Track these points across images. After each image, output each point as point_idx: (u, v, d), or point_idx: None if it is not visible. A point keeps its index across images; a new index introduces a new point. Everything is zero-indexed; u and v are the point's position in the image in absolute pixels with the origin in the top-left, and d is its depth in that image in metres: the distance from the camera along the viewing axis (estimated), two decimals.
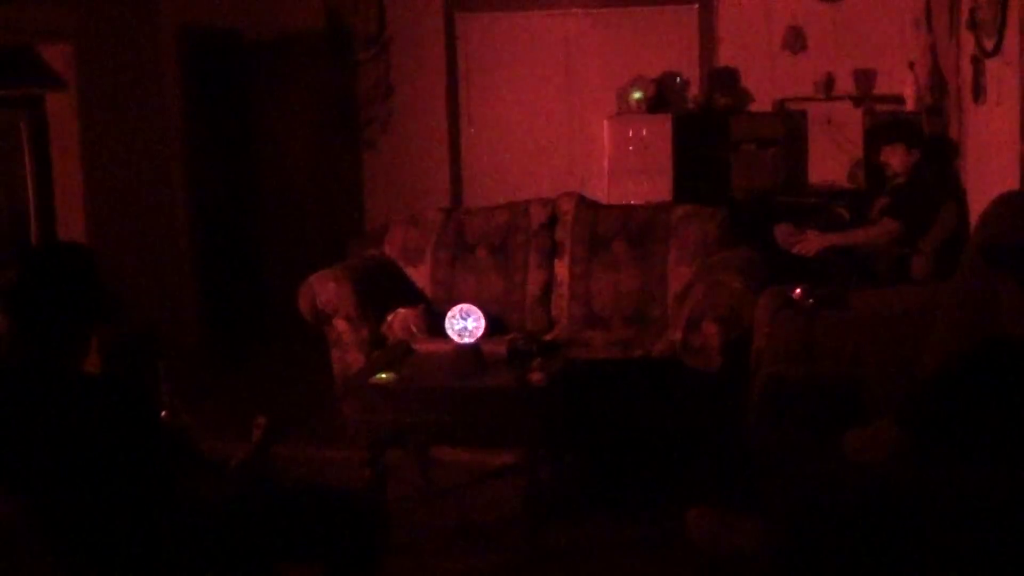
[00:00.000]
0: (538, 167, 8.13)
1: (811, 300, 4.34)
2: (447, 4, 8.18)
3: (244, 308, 7.63)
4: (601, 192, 7.34)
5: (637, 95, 7.70)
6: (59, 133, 5.91)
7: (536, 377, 4.26)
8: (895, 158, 6.00)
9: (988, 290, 3.41)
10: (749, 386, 4.14)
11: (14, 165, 5.76)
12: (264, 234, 7.91)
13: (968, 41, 5.98)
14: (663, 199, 7.15)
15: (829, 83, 7.64)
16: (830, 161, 7.67)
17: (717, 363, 4.82)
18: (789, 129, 7.66)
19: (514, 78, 8.20)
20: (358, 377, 4.54)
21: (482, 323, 4.49)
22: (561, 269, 5.61)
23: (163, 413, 3.04)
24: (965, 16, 6.02)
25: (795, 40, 7.71)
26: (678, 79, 7.90)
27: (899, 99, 7.28)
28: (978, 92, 5.78)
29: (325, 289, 5.29)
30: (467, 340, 4.47)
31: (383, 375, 4.40)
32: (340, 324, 5.28)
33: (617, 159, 7.64)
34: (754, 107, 7.84)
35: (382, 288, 5.49)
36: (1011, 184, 4.88)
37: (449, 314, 4.54)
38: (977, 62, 5.76)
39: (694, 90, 7.91)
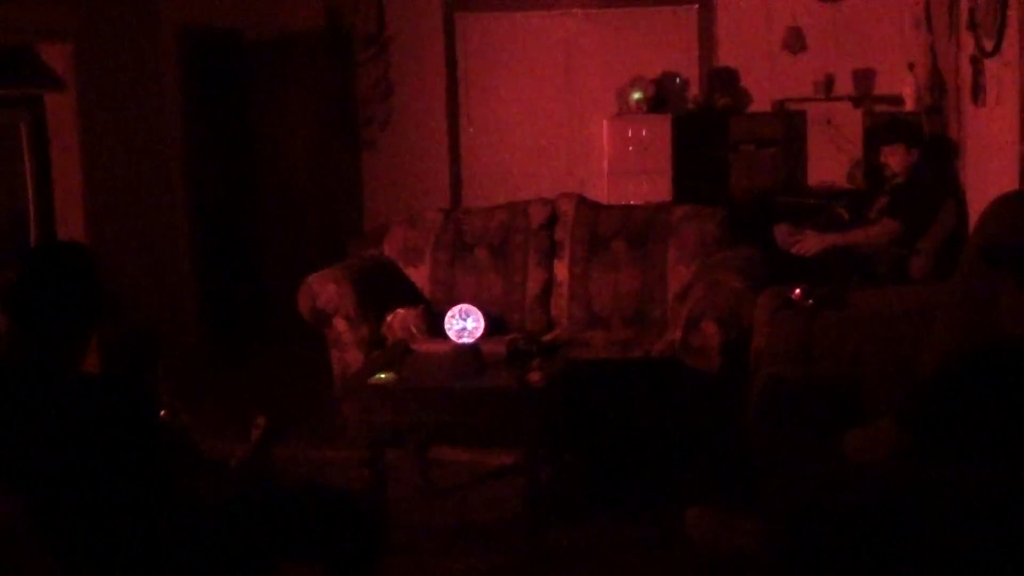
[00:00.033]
0: (538, 167, 8.13)
1: (810, 300, 4.35)
2: (447, 4, 8.18)
3: (244, 308, 7.63)
4: (601, 192, 7.34)
5: (637, 95, 7.70)
6: (59, 133, 5.91)
7: (535, 377, 4.26)
8: (894, 158, 6.00)
9: (988, 290, 3.40)
10: (748, 386, 4.15)
11: (14, 165, 5.76)
12: (264, 234, 7.91)
13: (967, 41, 5.97)
14: (663, 199, 7.16)
15: (828, 83, 7.65)
16: (829, 161, 7.67)
17: (716, 363, 4.82)
18: (788, 129, 7.66)
19: (514, 78, 8.20)
20: (358, 377, 4.54)
21: (481, 323, 4.49)
22: (561, 269, 5.61)
23: (163, 413, 3.04)
24: (964, 16, 6.02)
25: (795, 40, 7.71)
26: (678, 79, 7.90)
27: (898, 99, 7.28)
28: (977, 92, 5.77)
29: (325, 289, 5.29)
30: (466, 340, 4.47)
31: (382, 375, 4.40)
32: (339, 324, 5.28)
33: (617, 159, 7.65)
34: (753, 107, 7.84)
35: (381, 288, 5.49)
36: (1010, 184, 4.88)
37: (448, 314, 4.54)
38: (976, 62, 5.75)
39: (694, 90, 7.91)
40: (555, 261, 5.63)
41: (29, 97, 5.81)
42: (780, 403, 3.68)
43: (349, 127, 8.26)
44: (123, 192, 6.33)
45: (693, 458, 4.72)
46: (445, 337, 4.54)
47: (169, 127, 6.81)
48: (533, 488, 4.24)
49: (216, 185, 7.48)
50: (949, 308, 3.63)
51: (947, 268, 5.05)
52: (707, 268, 5.23)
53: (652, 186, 7.44)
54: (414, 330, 5.22)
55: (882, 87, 7.54)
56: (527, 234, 5.69)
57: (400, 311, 5.36)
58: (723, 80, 7.80)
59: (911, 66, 7.13)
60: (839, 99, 7.64)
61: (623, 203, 6.77)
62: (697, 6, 7.91)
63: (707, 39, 7.91)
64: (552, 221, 5.70)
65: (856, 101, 7.59)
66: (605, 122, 7.74)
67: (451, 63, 8.23)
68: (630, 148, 7.62)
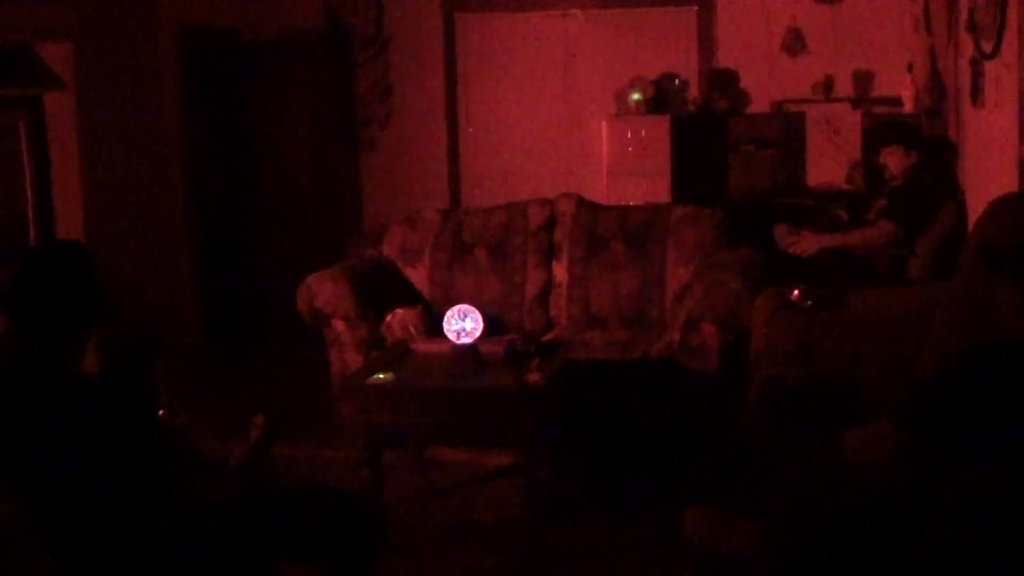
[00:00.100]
0: (537, 168, 8.13)
1: (809, 301, 4.35)
2: (446, 4, 8.18)
3: (243, 308, 7.63)
4: (600, 193, 7.34)
5: (636, 96, 7.70)
6: (58, 133, 5.91)
7: (534, 377, 4.26)
8: (893, 160, 6.00)
9: (987, 291, 3.41)
10: (747, 387, 4.14)
11: (13, 165, 5.76)
12: (263, 234, 7.91)
13: (967, 43, 5.98)
14: (662, 200, 7.16)
15: (828, 85, 7.65)
16: (828, 163, 7.67)
17: (715, 364, 4.82)
18: (788, 130, 7.66)
19: (513, 79, 8.20)
20: (356, 377, 4.54)
21: (480, 324, 4.49)
22: (559, 270, 5.62)
23: (161, 413, 3.04)
24: (964, 18, 6.03)
25: (794, 42, 7.71)
26: (677, 80, 7.90)
27: (897, 101, 7.28)
28: (976, 94, 5.78)
29: (323, 289, 5.29)
30: (465, 340, 4.47)
31: (381, 375, 4.40)
32: (338, 324, 5.28)
33: (616, 160, 7.65)
34: (753, 108, 7.84)
35: (380, 288, 5.49)
36: (1009, 186, 4.88)
37: (447, 314, 4.54)
38: (976, 64, 5.76)
39: (693, 91, 7.91)
40: (554, 262, 5.63)
41: (28, 97, 5.82)
42: (779, 404, 3.68)
43: (348, 127, 8.26)
44: (122, 192, 6.33)
45: (692, 458, 4.73)
46: (444, 337, 4.54)
47: (168, 127, 6.81)
48: (532, 488, 4.24)
49: (215, 185, 7.48)
50: (948, 309, 3.63)
51: (945, 269, 5.05)
52: (706, 269, 5.23)
53: (651, 187, 7.44)
54: (413, 330, 5.22)
55: (881, 89, 7.55)
56: (526, 235, 5.69)
57: (399, 311, 5.36)
58: (722, 81, 7.80)
59: (910, 68, 7.13)
60: (838, 100, 7.65)
61: (622, 204, 6.77)
62: (696, 7, 7.91)
63: (706, 40, 7.91)
64: (551, 222, 5.70)
65: (855, 102, 7.59)
66: (604, 123, 7.74)
67: (450, 63, 8.23)
68: (629, 149, 7.62)
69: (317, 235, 7.80)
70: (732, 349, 4.77)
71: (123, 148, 6.36)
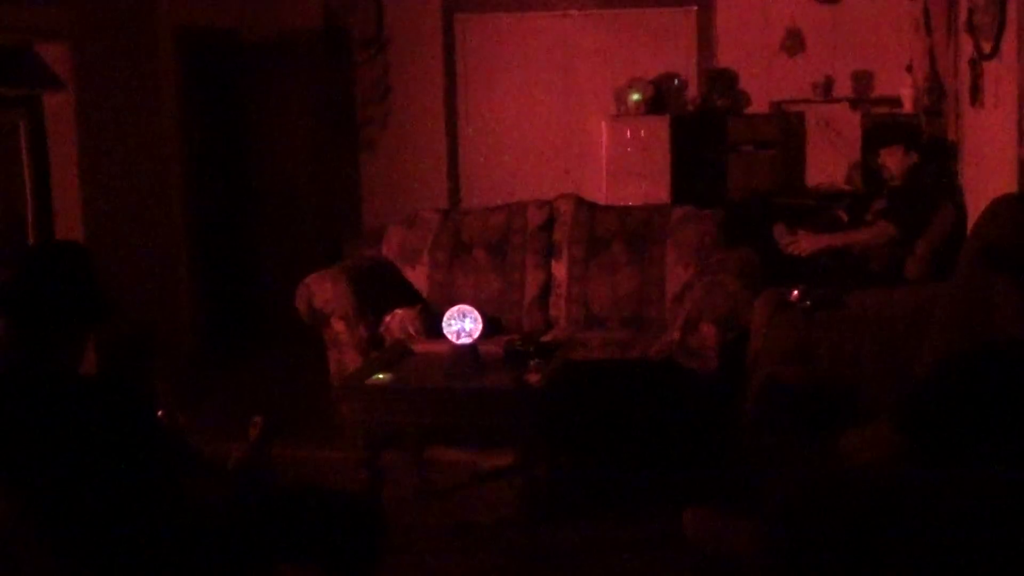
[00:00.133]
0: (536, 168, 8.13)
1: (808, 302, 4.35)
2: (445, 5, 8.18)
3: (242, 308, 7.63)
4: (599, 193, 7.34)
5: (635, 96, 7.70)
6: (57, 133, 5.90)
7: (533, 378, 4.26)
8: (892, 160, 5.99)
9: (985, 292, 3.41)
10: (746, 387, 4.15)
11: (12, 165, 5.75)
12: (262, 234, 7.90)
13: (966, 43, 5.98)
14: (661, 200, 7.16)
15: (827, 85, 7.65)
16: (828, 163, 7.68)
17: (714, 364, 4.83)
18: (787, 131, 7.67)
19: (512, 79, 8.20)
20: (355, 378, 4.54)
21: (479, 324, 4.49)
22: (559, 270, 5.62)
23: (160, 413, 3.04)
24: (963, 18, 6.02)
25: (793, 42, 7.71)
26: (676, 80, 7.91)
27: (897, 101, 7.29)
28: (976, 94, 5.77)
29: (322, 290, 5.29)
30: (464, 341, 4.47)
31: (380, 376, 4.40)
32: (337, 325, 5.28)
33: (615, 160, 7.65)
34: (752, 109, 7.85)
35: (379, 289, 5.49)
36: (1008, 187, 4.88)
37: (446, 315, 4.54)
38: (975, 64, 5.75)
39: (692, 91, 7.91)
40: (553, 262, 5.64)
41: (27, 97, 5.81)
42: (778, 404, 3.68)
43: (347, 128, 8.26)
44: (121, 192, 6.32)
45: (690, 459, 4.72)
46: (443, 338, 4.54)
47: (167, 127, 6.81)
48: (531, 489, 4.25)
49: (214, 185, 7.48)
50: (947, 309, 3.63)
51: (943, 270, 5.05)
52: (705, 269, 5.24)
53: (650, 187, 7.45)
54: (412, 331, 5.22)
55: (880, 89, 7.55)
56: (525, 235, 5.69)
57: (398, 312, 5.36)
58: (722, 81, 7.80)
59: (909, 68, 7.13)
60: (837, 101, 7.65)
61: (621, 204, 6.77)
62: (696, 7, 7.91)
63: (706, 40, 7.92)
64: (550, 222, 5.70)
65: (854, 103, 7.60)
66: (603, 123, 7.74)
67: (449, 64, 8.24)
68: (628, 149, 7.63)
69: (316, 235, 7.80)
70: (731, 349, 4.77)
71: (122, 148, 6.36)
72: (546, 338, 5.19)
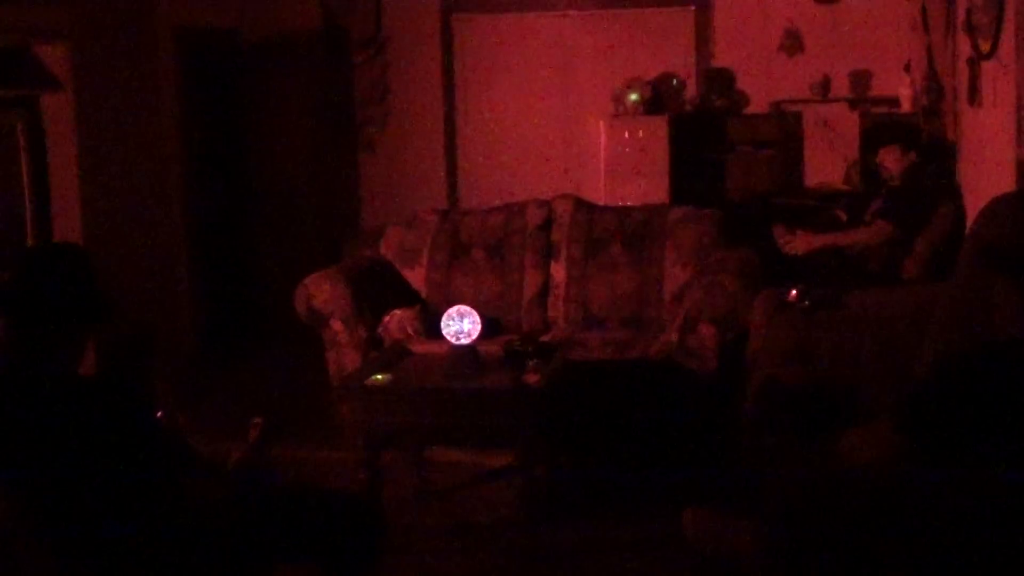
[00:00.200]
0: (534, 168, 8.13)
1: (807, 302, 4.35)
2: (444, 6, 8.19)
3: (241, 309, 7.63)
4: (597, 193, 7.35)
5: (633, 97, 7.70)
6: (55, 134, 5.90)
7: (532, 378, 4.26)
8: (891, 160, 6.00)
9: (984, 291, 3.41)
10: (745, 387, 4.15)
11: (10, 166, 5.75)
12: (260, 235, 7.91)
13: (964, 43, 5.98)
14: (659, 201, 7.17)
15: (825, 85, 7.66)
16: (826, 163, 7.69)
17: (713, 364, 4.82)
18: (785, 131, 7.68)
19: (510, 80, 8.21)
20: (354, 378, 4.54)
21: (478, 324, 4.49)
22: (557, 270, 5.62)
23: (159, 414, 3.04)
24: (961, 18, 6.03)
25: (791, 42, 7.72)
26: (674, 81, 7.91)
27: (895, 101, 7.29)
28: (974, 94, 5.78)
29: (321, 290, 5.29)
30: (463, 341, 4.47)
31: (379, 376, 4.40)
32: (336, 325, 5.28)
33: (613, 160, 7.65)
34: (750, 109, 7.85)
35: (378, 289, 5.49)
36: (1007, 186, 4.88)
37: (445, 315, 4.54)
38: (973, 64, 5.76)
39: (690, 92, 7.92)
40: (552, 262, 5.63)
41: (26, 98, 5.80)
42: (777, 404, 3.69)
43: (346, 128, 8.26)
44: (120, 193, 6.32)
45: (690, 459, 4.72)
46: (442, 338, 4.54)
47: (166, 128, 6.80)
48: (530, 489, 4.25)
49: (213, 185, 7.48)
50: (946, 309, 3.64)
51: (942, 270, 5.05)
52: (704, 269, 5.24)
53: (649, 187, 7.45)
54: (411, 331, 5.21)
55: (879, 89, 7.56)
56: (524, 235, 5.69)
57: (397, 312, 5.36)
58: (720, 81, 7.81)
59: (908, 68, 7.14)
60: (836, 101, 7.66)
61: (620, 204, 6.77)
62: (694, 7, 7.92)
63: (704, 40, 7.92)
64: (549, 222, 5.70)
65: (853, 103, 7.61)
66: (602, 123, 7.74)
67: (448, 65, 8.24)
68: (627, 149, 7.63)
69: (315, 236, 7.81)
70: (730, 349, 4.77)
71: (121, 149, 6.35)
72: (545, 338, 5.19)
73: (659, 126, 7.59)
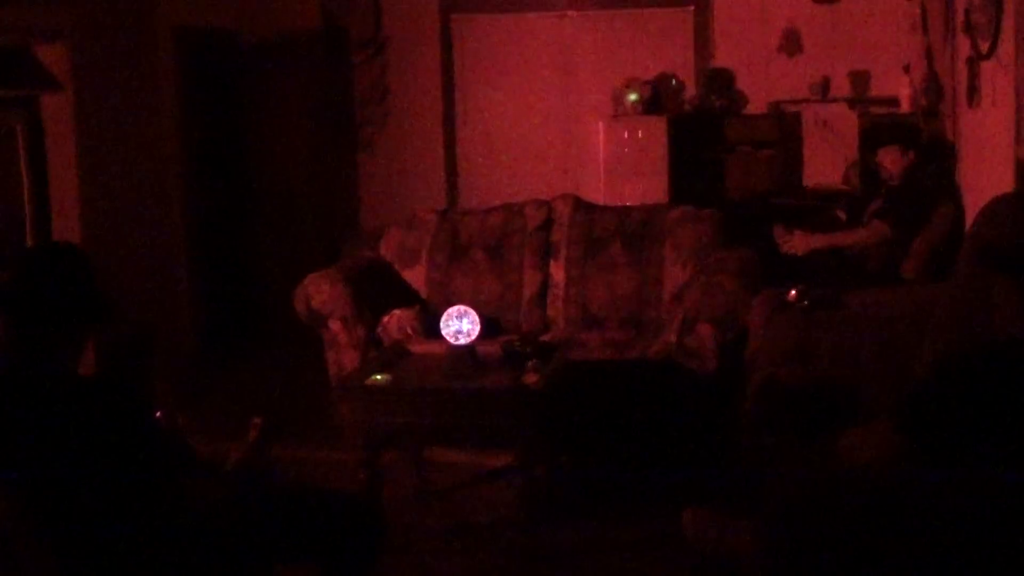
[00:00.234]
0: (534, 169, 8.13)
1: (806, 301, 4.35)
2: (443, 6, 8.19)
3: (240, 309, 7.63)
4: (597, 194, 7.35)
5: (633, 97, 7.70)
6: (55, 134, 5.90)
7: (531, 378, 4.26)
8: (890, 160, 6.00)
9: (983, 291, 3.42)
10: (744, 387, 4.15)
11: (10, 166, 5.75)
12: (260, 235, 7.91)
13: (963, 44, 5.99)
14: (659, 201, 7.16)
15: (824, 85, 7.66)
16: (825, 163, 7.69)
17: (712, 364, 4.82)
18: (784, 131, 7.68)
19: (510, 80, 8.20)
20: (354, 378, 4.54)
21: (477, 324, 4.49)
22: (557, 270, 5.62)
23: (158, 414, 3.04)
24: (960, 19, 6.04)
25: (791, 42, 7.72)
26: (674, 81, 7.91)
27: (894, 101, 7.29)
28: (973, 94, 5.79)
29: (320, 291, 5.29)
30: (462, 341, 4.47)
31: (379, 376, 4.40)
32: (335, 325, 5.28)
33: (613, 161, 7.66)
34: (749, 109, 7.85)
35: (377, 289, 5.48)
36: (1006, 186, 4.89)
37: (444, 315, 4.54)
38: (972, 64, 5.77)
39: (690, 92, 7.91)
40: (551, 262, 5.63)
41: (25, 98, 5.80)
42: (776, 404, 3.69)
43: (345, 129, 8.26)
44: (119, 193, 6.32)
45: (690, 459, 4.72)
46: (441, 338, 4.54)
47: (166, 128, 6.81)
48: (529, 489, 4.25)
49: (212, 186, 7.48)
50: (946, 309, 3.64)
51: (941, 270, 5.06)
52: (703, 270, 5.24)
53: (648, 187, 7.45)
54: (410, 331, 5.21)
55: (878, 89, 7.56)
56: (523, 235, 5.69)
57: (396, 312, 5.36)
58: (719, 82, 7.81)
59: (907, 68, 7.14)
60: (835, 101, 7.66)
61: (619, 204, 6.77)
62: (693, 8, 7.92)
63: (703, 41, 7.92)
64: (548, 222, 5.70)
65: (852, 103, 7.60)
66: (601, 124, 7.74)
67: (447, 65, 8.24)
68: (626, 150, 7.63)
69: (314, 236, 7.81)
70: (729, 350, 4.77)
71: (120, 149, 6.35)
72: (544, 338, 5.19)
73: (658, 126, 7.59)
